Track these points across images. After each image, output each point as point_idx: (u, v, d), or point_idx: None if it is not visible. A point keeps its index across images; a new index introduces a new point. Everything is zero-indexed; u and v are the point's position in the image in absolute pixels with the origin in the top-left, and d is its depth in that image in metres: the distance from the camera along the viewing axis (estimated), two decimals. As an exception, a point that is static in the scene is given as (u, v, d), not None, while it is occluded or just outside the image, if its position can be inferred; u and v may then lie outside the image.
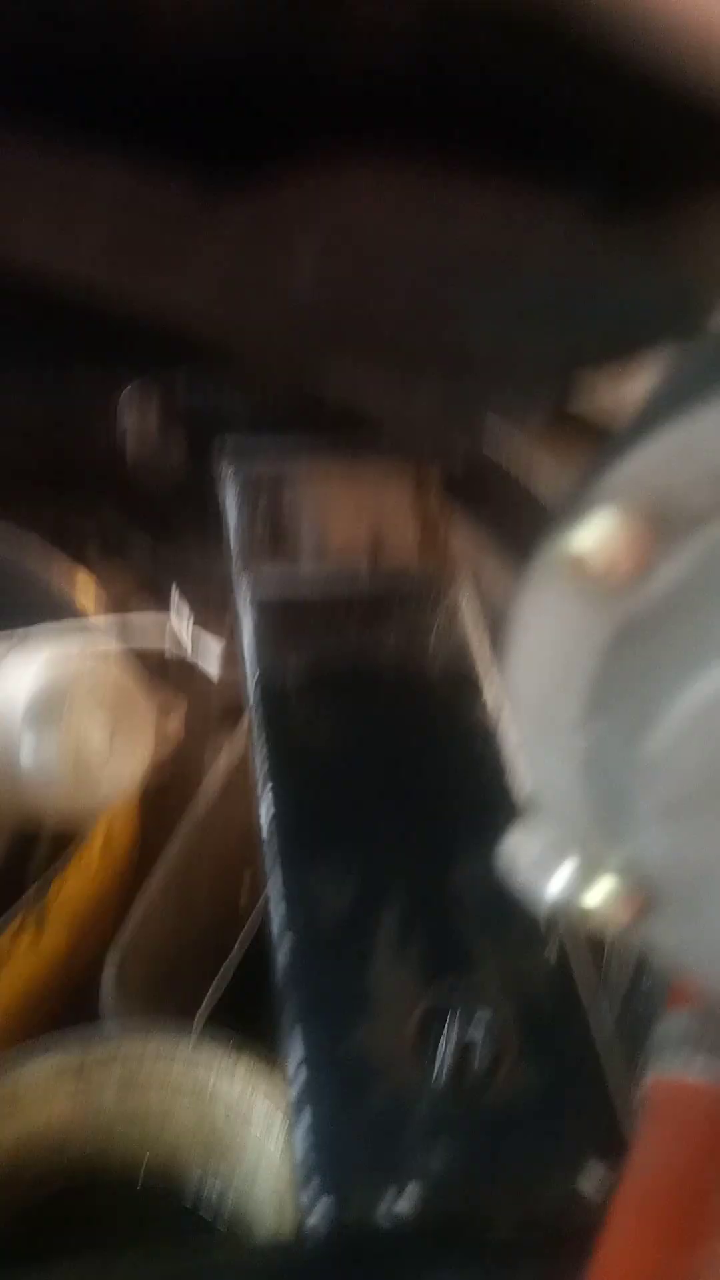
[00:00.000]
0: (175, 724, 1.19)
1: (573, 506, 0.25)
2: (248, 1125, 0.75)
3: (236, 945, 0.99)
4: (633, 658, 0.27)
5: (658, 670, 0.26)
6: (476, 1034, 0.47)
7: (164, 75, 0.24)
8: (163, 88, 0.24)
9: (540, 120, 0.25)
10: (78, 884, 1.00)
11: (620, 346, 0.30)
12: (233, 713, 1.37)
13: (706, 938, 0.30)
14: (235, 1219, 0.76)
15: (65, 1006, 0.97)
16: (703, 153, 0.26)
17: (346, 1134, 0.44)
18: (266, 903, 0.51)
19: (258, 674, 0.57)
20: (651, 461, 0.24)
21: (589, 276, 0.27)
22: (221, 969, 0.96)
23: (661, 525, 0.24)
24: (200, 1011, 0.91)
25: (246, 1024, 0.80)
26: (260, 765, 0.54)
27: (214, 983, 0.95)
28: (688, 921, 0.30)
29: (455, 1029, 0.47)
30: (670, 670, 0.25)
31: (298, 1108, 0.45)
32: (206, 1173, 0.81)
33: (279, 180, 0.25)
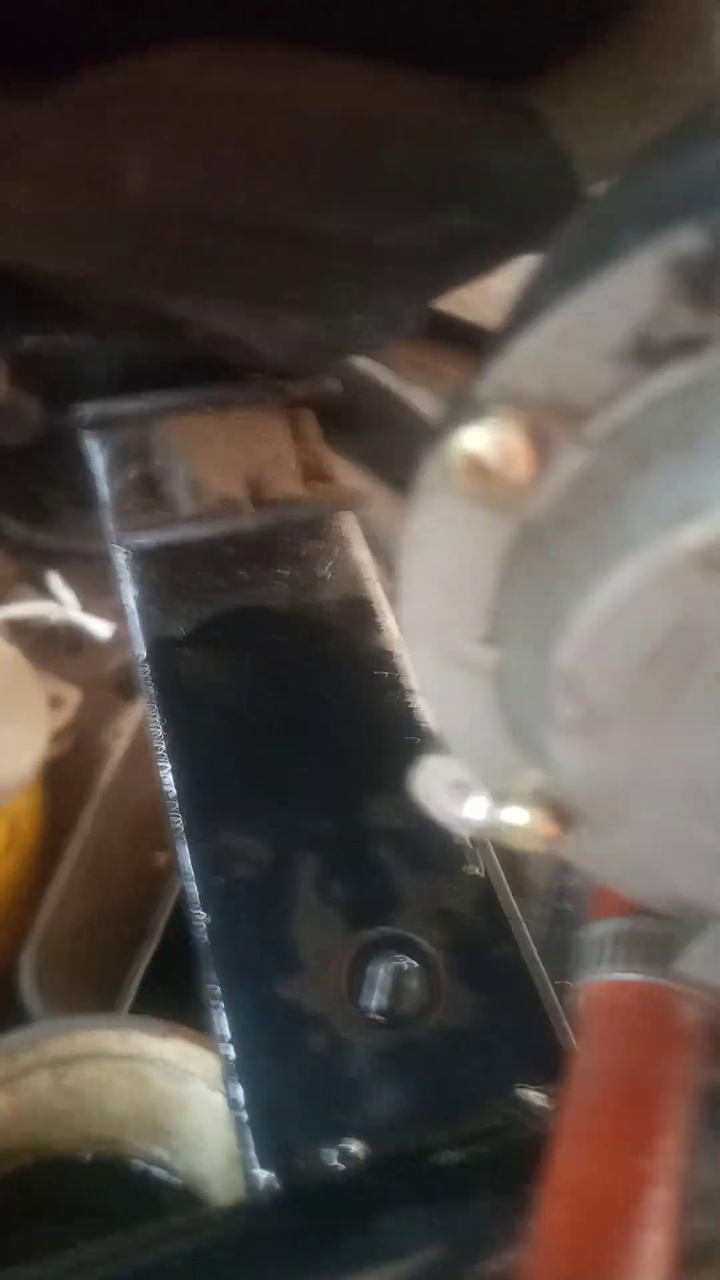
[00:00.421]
0: (70, 704, 1.15)
1: (463, 406, 0.23)
2: (188, 1084, 0.74)
3: (159, 920, 0.97)
4: (534, 566, 0.25)
5: (561, 577, 0.24)
6: (407, 973, 0.46)
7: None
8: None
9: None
10: (-15, 880, 0.96)
11: (496, 231, 0.29)
12: (129, 685, 1.34)
13: (625, 849, 0.30)
14: (188, 1182, 0.75)
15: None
16: (569, 18, 0.25)
17: (285, 1090, 0.43)
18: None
19: (145, 628, 0.55)
20: (539, 351, 0.22)
21: (456, 155, 0.25)
22: (143, 947, 0.94)
23: (557, 417, 0.23)
24: (127, 983, 0.89)
25: (176, 1002, 0.79)
26: (157, 722, 0.52)
27: (138, 959, 0.94)
28: (606, 835, 0.30)
29: (386, 971, 0.46)
30: (575, 575, 0.24)
31: (233, 1071, 0.44)
32: (154, 1142, 0.80)
33: (113, 75, 0.22)
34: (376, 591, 0.60)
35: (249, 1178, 0.41)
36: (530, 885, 0.86)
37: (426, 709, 0.32)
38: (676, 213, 0.21)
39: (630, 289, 0.21)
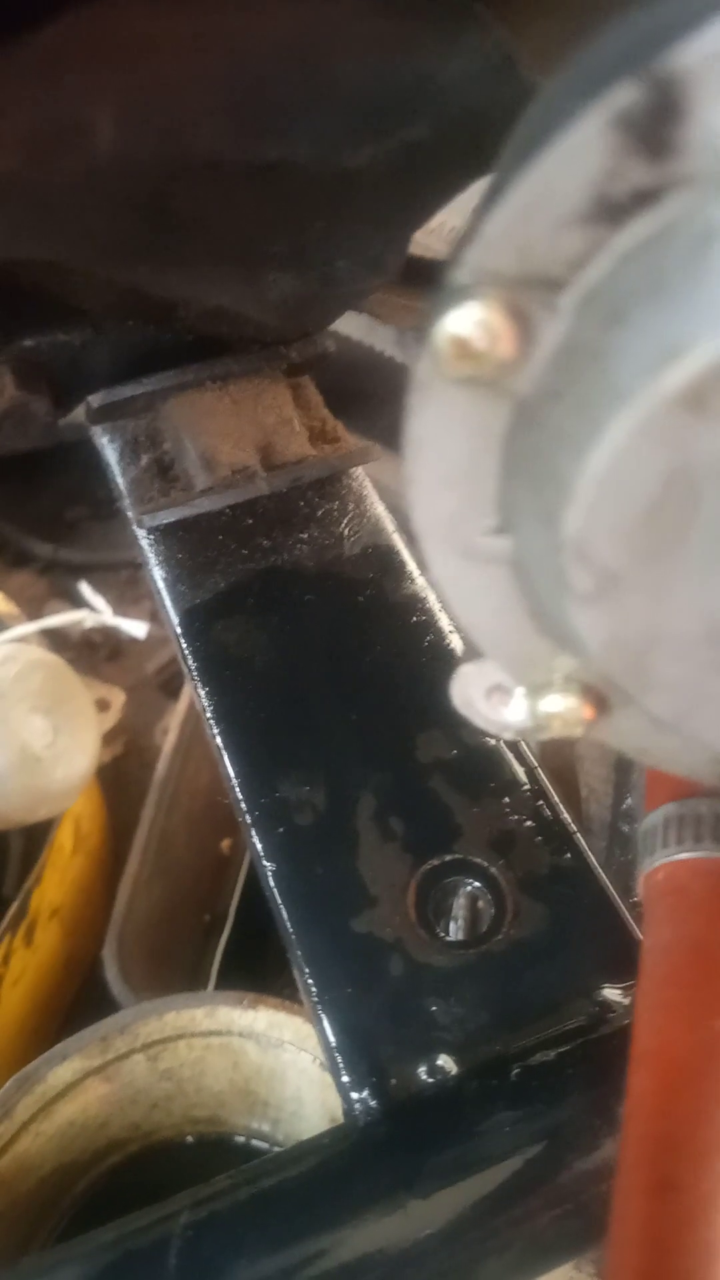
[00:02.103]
0: (116, 705, 1.17)
1: (444, 295, 0.24)
2: (281, 1051, 0.76)
3: (230, 903, 0.99)
4: (532, 444, 0.26)
5: (558, 447, 0.25)
6: (476, 892, 0.48)
7: None
8: None
9: None
10: (57, 885, 0.99)
11: (455, 143, 0.30)
12: (172, 683, 1.36)
13: (659, 715, 0.31)
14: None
15: (76, 998, 0.97)
16: None
17: (369, 1017, 0.44)
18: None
19: (175, 603, 0.56)
20: (506, 227, 0.23)
21: (404, 65, 0.26)
22: (218, 931, 0.96)
23: (533, 290, 0.24)
24: (207, 967, 0.91)
25: (258, 983, 0.80)
26: (199, 691, 0.54)
27: (214, 942, 0.96)
28: (639, 704, 0.31)
29: (452, 894, 0.48)
30: (570, 442, 0.25)
31: (317, 1004, 0.45)
32: (253, 1115, 0.81)
33: (66, 24, 0.24)
34: (398, 541, 0.61)
35: (345, 1102, 0.42)
36: (586, 815, 0.87)
37: (451, 611, 0.32)
38: (613, 74, 0.21)
39: (581, 151, 0.22)
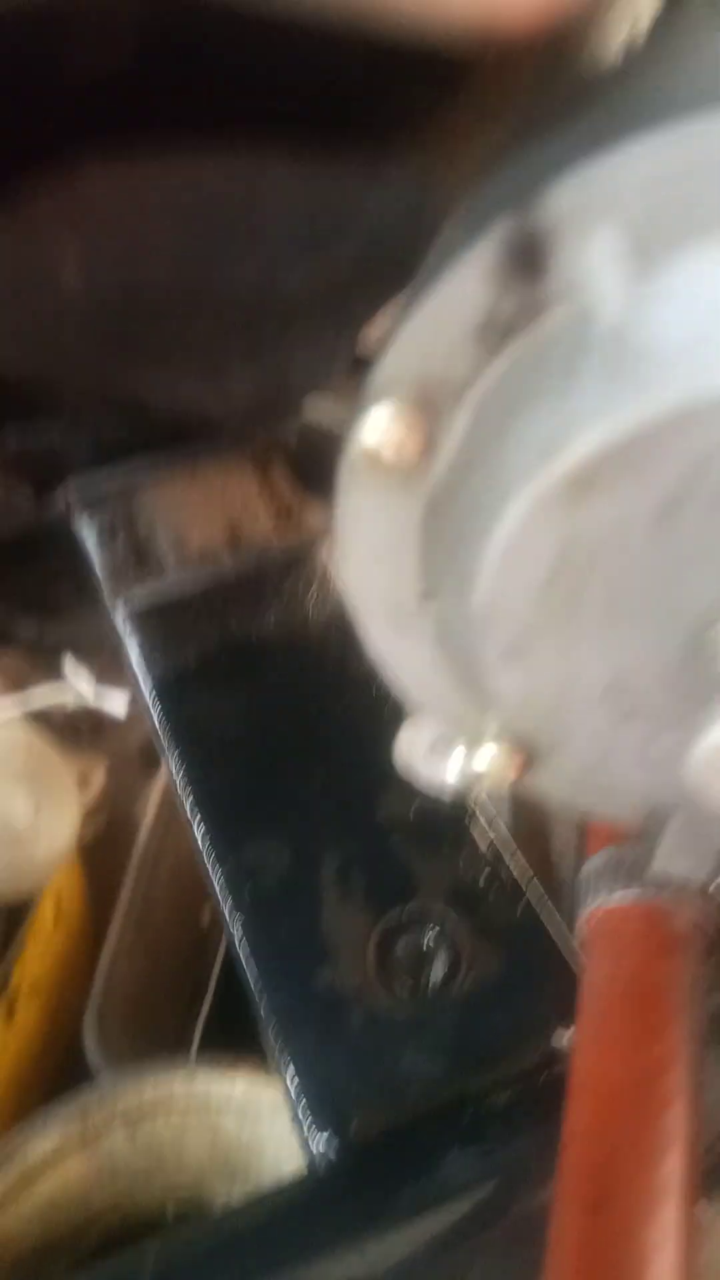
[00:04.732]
0: (97, 779, 1.19)
1: (363, 401, 0.28)
2: (259, 1120, 0.77)
3: (211, 974, 1.00)
4: (444, 525, 0.30)
5: (465, 528, 0.29)
6: (432, 944, 0.50)
7: None
8: None
9: (252, 81, 0.29)
10: (38, 959, 1.00)
11: (383, 258, 0.34)
12: (153, 756, 1.38)
13: (578, 765, 0.34)
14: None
15: (55, 1073, 0.97)
16: (405, 78, 0.30)
17: (331, 1062, 0.46)
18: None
19: (148, 675, 0.59)
20: (410, 343, 0.27)
21: (338, 201, 0.30)
22: (200, 1002, 0.97)
23: (432, 402, 0.27)
24: (189, 1038, 0.92)
25: (238, 1042, 0.81)
26: (169, 756, 0.56)
27: (196, 1014, 0.96)
28: (559, 756, 0.34)
29: (409, 946, 0.50)
30: (474, 523, 0.28)
31: (281, 1058, 0.47)
32: (233, 1185, 0.82)
33: (32, 189, 0.28)
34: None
35: (306, 1145, 0.44)
36: (557, 879, 0.89)
37: (386, 676, 0.36)
38: (494, 213, 0.26)
39: (467, 282, 0.26)
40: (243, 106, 0.29)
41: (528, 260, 0.25)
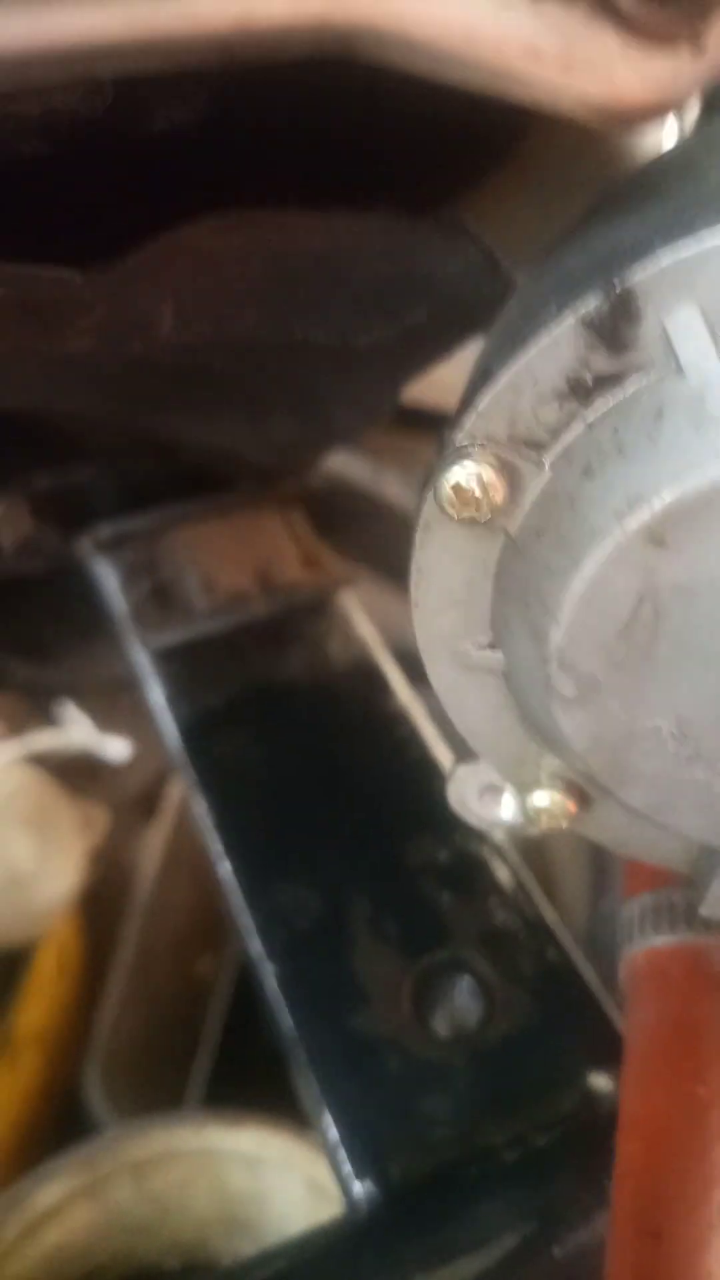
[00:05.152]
0: (99, 823, 1.19)
1: (445, 453, 0.29)
2: (266, 1173, 0.76)
3: (214, 1024, 0.99)
4: (520, 572, 0.31)
5: (542, 575, 0.30)
6: (464, 990, 0.50)
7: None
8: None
9: (341, 147, 0.31)
10: (39, 1008, 0.98)
11: (446, 322, 0.36)
12: (151, 803, 1.37)
13: (636, 807, 0.35)
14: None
15: (55, 1122, 0.95)
16: (478, 149, 0.32)
17: (369, 1108, 0.46)
18: (235, 960, 0.53)
19: (175, 718, 0.60)
20: (497, 402, 0.29)
21: (408, 269, 0.32)
22: (202, 1051, 0.96)
23: (519, 450, 0.29)
24: (193, 1088, 0.91)
25: (243, 1094, 0.81)
26: (200, 800, 0.57)
27: (199, 1063, 0.95)
28: (622, 799, 0.35)
29: (444, 991, 0.50)
30: (553, 570, 0.30)
31: (319, 1102, 0.47)
32: (239, 1239, 0.80)
33: (135, 247, 0.29)
34: (383, 657, 0.66)
35: (347, 1192, 0.44)
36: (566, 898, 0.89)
37: (450, 715, 0.37)
38: (582, 284, 0.27)
39: (557, 345, 0.28)
40: (333, 181, 0.30)
41: (616, 328, 0.27)
